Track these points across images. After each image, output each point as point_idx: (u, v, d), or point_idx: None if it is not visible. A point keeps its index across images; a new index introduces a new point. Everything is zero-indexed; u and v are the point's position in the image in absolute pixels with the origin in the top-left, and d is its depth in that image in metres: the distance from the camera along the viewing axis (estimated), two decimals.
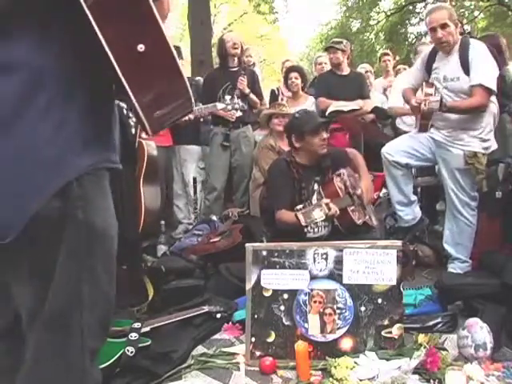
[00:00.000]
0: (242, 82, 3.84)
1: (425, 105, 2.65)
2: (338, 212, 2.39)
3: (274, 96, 4.53)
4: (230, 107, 3.58)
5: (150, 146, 2.50)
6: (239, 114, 3.75)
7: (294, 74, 4.22)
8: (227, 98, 3.74)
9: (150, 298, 2.47)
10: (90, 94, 0.86)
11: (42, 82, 0.80)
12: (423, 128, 2.87)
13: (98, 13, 0.77)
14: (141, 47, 0.81)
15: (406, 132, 3.38)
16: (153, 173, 2.51)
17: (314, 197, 2.66)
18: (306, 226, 2.48)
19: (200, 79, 4.36)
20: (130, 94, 0.82)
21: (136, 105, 0.83)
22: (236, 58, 3.98)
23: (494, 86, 2.64)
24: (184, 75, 0.88)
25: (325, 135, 2.65)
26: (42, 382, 0.89)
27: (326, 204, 2.29)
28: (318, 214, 2.24)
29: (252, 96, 3.96)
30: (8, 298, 0.89)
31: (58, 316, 0.86)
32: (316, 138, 2.63)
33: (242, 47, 4.03)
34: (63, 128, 0.82)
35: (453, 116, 2.75)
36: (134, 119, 2.27)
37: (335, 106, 3.96)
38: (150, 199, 2.45)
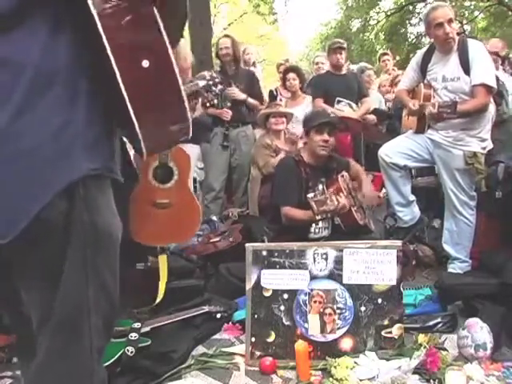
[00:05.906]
0: (233, 92, 3.83)
1: (434, 108, 2.61)
2: (347, 207, 2.41)
3: (272, 96, 4.52)
4: (211, 82, 3.54)
5: None
6: (229, 104, 3.77)
7: (291, 75, 4.22)
8: (207, 74, 3.71)
9: (156, 301, 2.41)
10: (94, 102, 0.86)
11: (50, 82, 0.80)
12: (420, 129, 2.86)
13: (107, 20, 0.77)
14: (145, 63, 0.80)
15: None
16: None
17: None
18: (316, 216, 2.47)
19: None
20: (130, 108, 0.80)
21: (135, 121, 0.81)
22: (232, 62, 3.98)
23: (494, 84, 2.64)
24: (185, 101, 0.87)
25: (327, 137, 2.67)
26: (53, 383, 0.90)
27: (336, 195, 2.34)
28: (330, 204, 2.28)
29: (250, 100, 3.95)
30: (19, 302, 0.90)
31: (67, 319, 0.87)
32: (318, 137, 2.66)
33: (234, 51, 3.98)
34: (68, 128, 0.82)
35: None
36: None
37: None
38: None
